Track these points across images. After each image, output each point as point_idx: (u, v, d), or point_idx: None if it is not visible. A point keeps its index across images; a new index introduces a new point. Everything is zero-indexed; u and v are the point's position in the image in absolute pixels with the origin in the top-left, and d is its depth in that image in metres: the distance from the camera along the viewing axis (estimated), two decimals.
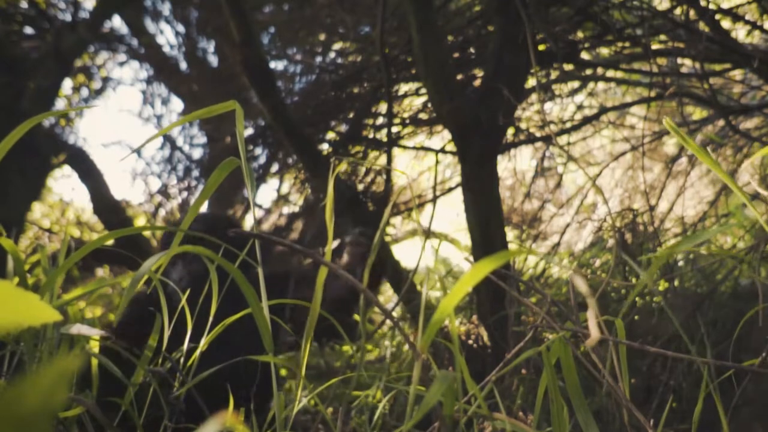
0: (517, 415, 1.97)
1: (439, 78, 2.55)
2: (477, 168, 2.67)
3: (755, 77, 3.16)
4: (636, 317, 2.44)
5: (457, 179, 3.70)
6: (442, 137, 3.70)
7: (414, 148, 3.69)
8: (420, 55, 2.51)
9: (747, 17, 2.92)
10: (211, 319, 1.22)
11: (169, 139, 4.96)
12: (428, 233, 1.22)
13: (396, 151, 3.69)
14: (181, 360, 1.29)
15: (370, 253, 1.13)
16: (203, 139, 4.95)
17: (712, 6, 2.57)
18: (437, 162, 3.33)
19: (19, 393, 0.32)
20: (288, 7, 3.93)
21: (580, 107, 3.72)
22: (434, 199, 3.53)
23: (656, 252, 1.61)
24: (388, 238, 3.69)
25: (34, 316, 0.53)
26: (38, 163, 4.90)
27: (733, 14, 2.75)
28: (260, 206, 4.74)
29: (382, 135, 3.52)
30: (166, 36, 9.44)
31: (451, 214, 4.27)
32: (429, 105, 3.40)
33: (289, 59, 4.05)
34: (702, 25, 2.57)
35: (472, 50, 3.18)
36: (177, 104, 5.99)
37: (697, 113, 4.07)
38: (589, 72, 3.37)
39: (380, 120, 3.54)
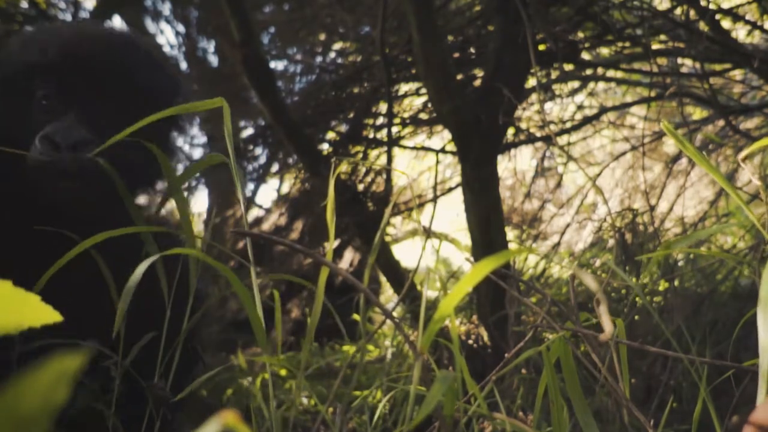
0: (517, 415, 1.97)
1: (439, 78, 2.55)
2: (477, 168, 2.67)
3: (755, 77, 3.17)
4: (636, 317, 2.44)
5: (457, 179, 3.71)
6: (442, 137, 3.70)
7: (414, 148, 3.69)
8: (420, 55, 2.51)
9: (747, 17, 2.92)
10: None
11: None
12: (428, 233, 1.22)
13: (396, 151, 3.70)
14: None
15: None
16: (203, 139, 4.96)
17: (712, 6, 2.58)
18: (437, 162, 3.34)
19: (18, 392, 0.32)
20: (288, 7, 3.94)
21: (580, 107, 3.72)
22: (434, 199, 3.53)
23: (656, 252, 1.62)
24: (388, 238, 3.70)
25: (35, 317, 0.54)
26: None
27: (734, 14, 2.76)
28: (260, 206, 4.74)
29: (382, 135, 3.52)
30: (166, 36, 9.44)
31: (451, 214, 4.27)
32: (429, 105, 3.40)
33: (289, 59, 4.05)
34: (702, 25, 2.58)
35: (472, 50, 3.18)
36: None
37: (697, 113, 4.07)
38: (589, 72, 3.38)
39: (380, 120, 3.55)
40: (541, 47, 2.81)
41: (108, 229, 1.13)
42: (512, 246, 3.48)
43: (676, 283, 2.68)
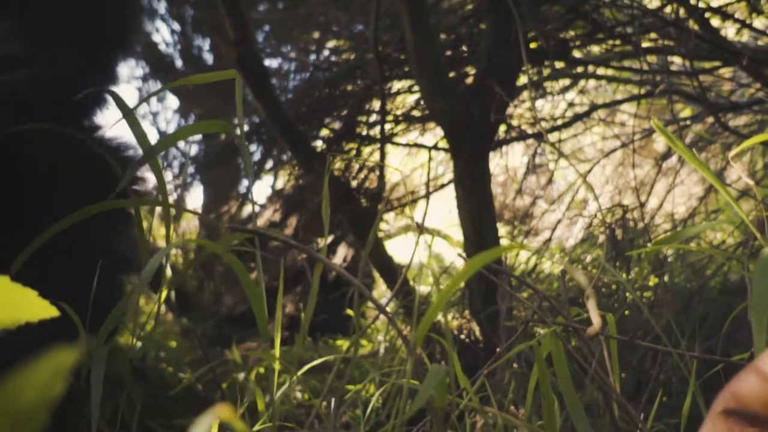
0: (508, 409, 1.98)
1: (431, 76, 2.57)
2: (469, 165, 2.69)
3: (744, 75, 3.19)
4: (626, 312, 2.46)
5: (450, 176, 3.72)
6: (435, 134, 3.71)
7: (407, 144, 3.70)
8: (413, 53, 2.53)
9: (736, 16, 2.94)
10: None
11: (164, 136, 4.96)
12: (421, 229, 1.23)
13: (389, 147, 3.71)
14: None
15: None
16: (198, 136, 4.95)
17: (701, 4, 2.59)
18: (430, 159, 3.35)
19: (15, 386, 0.32)
20: (282, 6, 3.95)
21: (571, 104, 3.73)
22: (427, 196, 3.54)
23: (646, 248, 1.63)
24: (381, 234, 3.72)
25: (32, 312, 0.54)
26: None
27: (723, 13, 2.78)
28: (255, 202, 4.75)
29: (376, 132, 3.54)
30: (162, 34, 9.42)
31: (443, 210, 4.29)
32: (422, 102, 3.41)
33: (284, 57, 4.06)
34: (692, 24, 2.59)
35: (464, 48, 3.19)
36: (173, 102, 6.00)
37: (687, 111, 4.09)
38: (580, 70, 3.39)
39: (373, 117, 3.56)
40: (533, 45, 2.82)
41: (37, 165, 1.03)
42: (504, 242, 3.50)
43: (666, 278, 2.70)
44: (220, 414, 0.38)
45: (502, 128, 3.38)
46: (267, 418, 1.23)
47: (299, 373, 1.22)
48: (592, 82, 3.93)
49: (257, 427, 1.28)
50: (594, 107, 3.56)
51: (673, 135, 1.02)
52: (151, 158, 0.95)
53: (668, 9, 2.79)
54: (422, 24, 2.46)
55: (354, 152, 3.51)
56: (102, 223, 1.11)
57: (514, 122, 3.56)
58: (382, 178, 3.34)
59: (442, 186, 3.90)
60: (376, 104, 3.47)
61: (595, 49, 3.38)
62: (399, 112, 3.60)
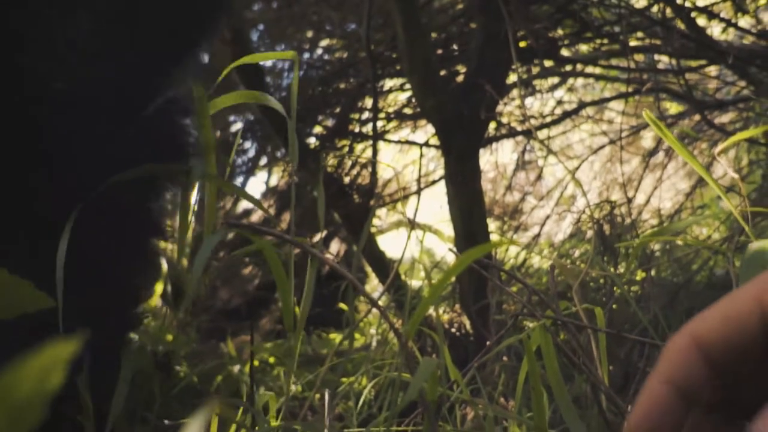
0: (498, 401, 2.01)
1: (423, 74, 2.59)
2: (460, 161, 2.72)
3: (730, 73, 3.22)
4: (614, 306, 2.49)
5: (441, 172, 3.74)
6: (426, 131, 3.73)
7: (399, 141, 3.72)
8: (405, 52, 2.55)
9: (722, 15, 2.98)
10: None
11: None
12: (413, 224, 1.27)
13: (381, 144, 3.73)
14: None
15: None
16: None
17: (688, 4, 2.63)
18: (421, 155, 3.38)
19: (13, 378, 0.32)
20: (276, 5, 3.96)
21: (559, 102, 3.76)
22: (418, 192, 3.57)
23: (634, 242, 1.66)
24: (373, 229, 3.74)
25: (29, 303, 0.57)
26: None
27: (709, 12, 2.82)
28: (252, 198, 4.75)
29: (368, 129, 3.56)
30: None
31: (434, 206, 4.31)
32: (413, 100, 3.44)
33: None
34: (678, 23, 2.63)
35: (455, 47, 3.22)
36: None
37: (673, 108, 4.12)
38: (568, 68, 3.42)
39: (366, 114, 3.58)
40: (522, 44, 2.85)
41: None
42: (494, 237, 3.53)
43: (653, 273, 2.73)
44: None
45: (492, 125, 3.40)
46: (275, 414, 1.27)
47: (317, 371, 1.26)
48: (580, 80, 3.96)
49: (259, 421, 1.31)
50: (582, 105, 3.59)
51: (663, 126, 1.05)
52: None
53: (655, 8, 2.82)
54: (414, 23, 2.49)
55: (347, 149, 3.53)
56: (143, 185, 1.10)
57: (504, 119, 3.59)
58: (374, 174, 3.37)
59: (434, 182, 3.92)
60: (369, 102, 3.49)
61: (584, 47, 3.41)
62: (391, 110, 3.63)
